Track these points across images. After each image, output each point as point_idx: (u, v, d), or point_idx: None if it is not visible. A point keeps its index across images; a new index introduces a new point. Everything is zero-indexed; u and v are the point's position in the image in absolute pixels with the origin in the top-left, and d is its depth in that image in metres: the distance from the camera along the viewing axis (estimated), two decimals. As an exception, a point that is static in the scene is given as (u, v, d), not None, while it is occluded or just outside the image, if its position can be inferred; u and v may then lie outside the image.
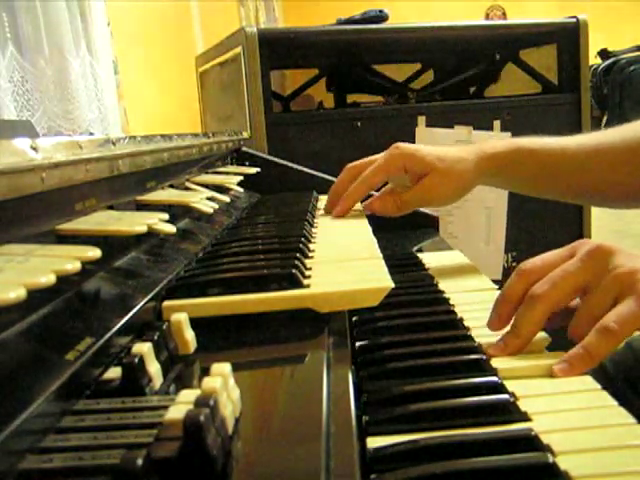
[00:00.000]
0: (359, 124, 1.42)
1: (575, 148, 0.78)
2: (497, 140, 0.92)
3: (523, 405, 0.38)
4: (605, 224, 0.90)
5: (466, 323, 0.51)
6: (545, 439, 0.34)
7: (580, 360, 0.43)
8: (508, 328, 0.49)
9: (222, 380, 0.31)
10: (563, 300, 0.48)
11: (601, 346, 0.44)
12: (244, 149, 1.19)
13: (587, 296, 0.47)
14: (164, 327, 0.40)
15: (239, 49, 1.36)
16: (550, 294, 0.47)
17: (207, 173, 0.92)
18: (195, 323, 0.43)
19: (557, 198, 0.90)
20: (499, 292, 0.52)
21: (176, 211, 0.67)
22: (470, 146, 0.81)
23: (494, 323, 0.50)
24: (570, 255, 0.50)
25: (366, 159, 0.83)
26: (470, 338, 0.48)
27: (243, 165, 1.15)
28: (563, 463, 0.32)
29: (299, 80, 1.84)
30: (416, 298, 0.59)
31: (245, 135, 1.20)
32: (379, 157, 0.81)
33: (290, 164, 1.16)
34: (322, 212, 0.87)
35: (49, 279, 0.30)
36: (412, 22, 1.55)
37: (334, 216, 0.82)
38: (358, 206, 0.89)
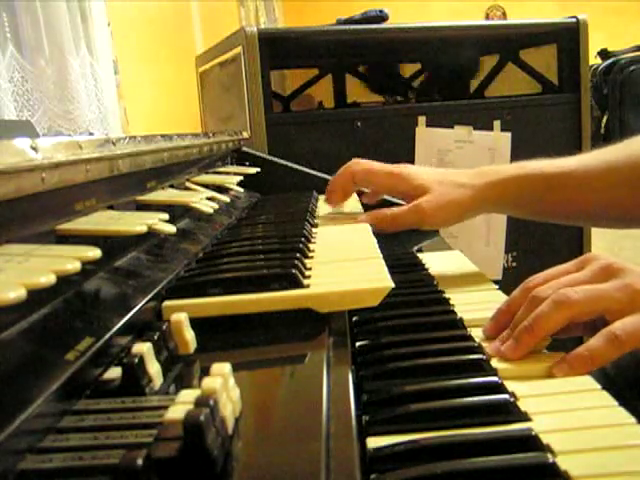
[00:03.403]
0: (359, 124, 1.42)
1: (579, 168, 0.75)
2: (501, 165, 0.89)
3: (523, 405, 0.38)
4: (604, 224, 0.90)
5: (466, 323, 0.51)
6: (545, 439, 0.34)
7: (581, 362, 0.43)
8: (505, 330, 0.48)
9: (222, 380, 0.31)
10: (586, 316, 0.47)
11: (604, 352, 0.43)
12: (244, 149, 1.18)
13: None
14: (164, 327, 0.40)
15: (239, 49, 1.36)
16: (581, 303, 0.45)
17: (207, 173, 0.92)
18: (195, 323, 0.43)
19: (563, 222, 0.88)
20: (502, 301, 0.52)
21: (176, 211, 0.67)
22: (474, 170, 0.78)
23: (491, 329, 0.50)
24: (577, 270, 0.49)
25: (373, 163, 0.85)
26: (470, 338, 0.48)
27: (243, 165, 1.14)
28: (563, 463, 0.32)
29: (299, 80, 1.84)
30: (416, 298, 0.59)
31: (245, 135, 1.20)
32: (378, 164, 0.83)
33: (290, 164, 1.16)
34: (324, 213, 0.87)
35: (49, 279, 0.30)
36: (412, 22, 1.55)
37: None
38: (359, 207, 0.89)
